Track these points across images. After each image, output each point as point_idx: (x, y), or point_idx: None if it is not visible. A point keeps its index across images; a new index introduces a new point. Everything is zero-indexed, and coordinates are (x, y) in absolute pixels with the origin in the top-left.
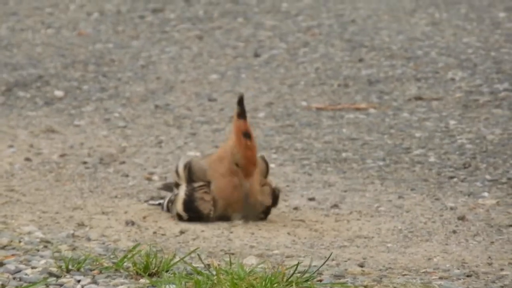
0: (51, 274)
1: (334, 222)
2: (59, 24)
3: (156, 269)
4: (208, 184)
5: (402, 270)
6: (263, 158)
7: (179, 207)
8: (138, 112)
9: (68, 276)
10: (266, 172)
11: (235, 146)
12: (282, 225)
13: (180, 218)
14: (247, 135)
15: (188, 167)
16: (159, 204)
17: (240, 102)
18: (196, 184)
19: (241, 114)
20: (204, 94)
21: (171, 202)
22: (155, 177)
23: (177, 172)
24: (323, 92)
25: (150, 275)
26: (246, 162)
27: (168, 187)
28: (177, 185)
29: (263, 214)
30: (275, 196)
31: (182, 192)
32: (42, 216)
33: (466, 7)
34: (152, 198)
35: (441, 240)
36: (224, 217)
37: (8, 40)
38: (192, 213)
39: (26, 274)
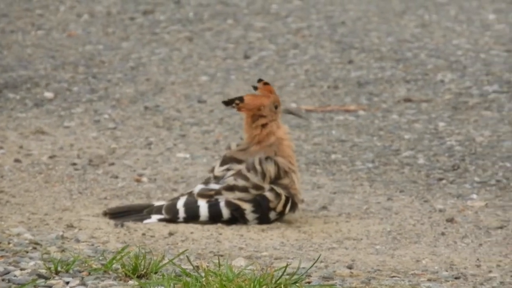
0: (40, 276)
1: (323, 224)
2: (49, 25)
3: (145, 270)
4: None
5: (391, 272)
6: None
7: (285, 208)
8: (128, 114)
9: (57, 277)
10: None
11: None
12: (271, 227)
13: (265, 220)
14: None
15: (277, 165)
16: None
17: (227, 103)
18: (285, 181)
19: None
20: (194, 96)
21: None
22: (145, 179)
23: (263, 175)
24: (312, 94)
25: (139, 277)
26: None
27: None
28: (243, 189)
29: None
30: None
31: (282, 192)
32: (31, 218)
33: (455, 9)
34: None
35: (429, 242)
36: None
37: None
38: (293, 209)
39: (15, 276)
